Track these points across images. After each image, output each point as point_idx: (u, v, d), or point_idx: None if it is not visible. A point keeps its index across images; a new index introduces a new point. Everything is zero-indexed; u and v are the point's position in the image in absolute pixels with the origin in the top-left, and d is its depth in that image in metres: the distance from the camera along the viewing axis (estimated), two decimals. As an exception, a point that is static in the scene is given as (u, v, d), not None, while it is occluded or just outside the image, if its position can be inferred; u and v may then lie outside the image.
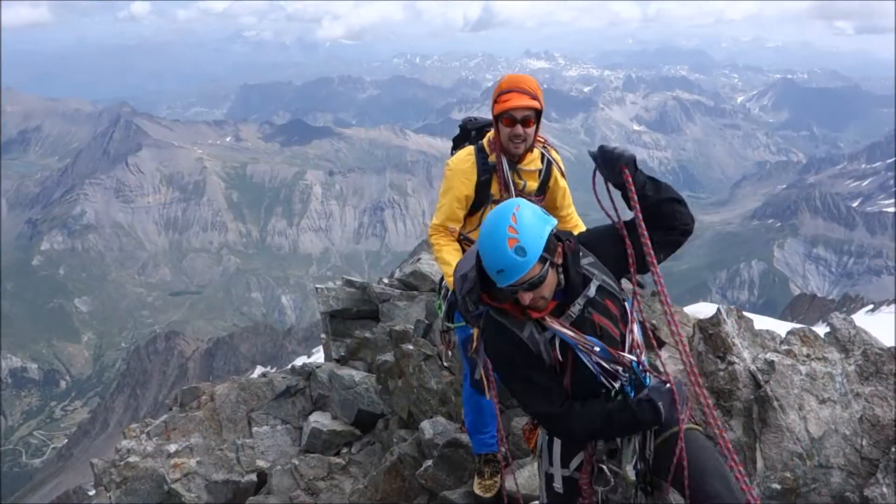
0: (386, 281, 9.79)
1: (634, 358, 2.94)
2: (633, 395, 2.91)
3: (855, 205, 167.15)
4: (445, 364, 4.55)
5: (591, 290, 2.89)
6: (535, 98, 3.81)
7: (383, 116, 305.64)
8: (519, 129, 3.85)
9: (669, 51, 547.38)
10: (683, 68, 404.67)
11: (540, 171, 4.17)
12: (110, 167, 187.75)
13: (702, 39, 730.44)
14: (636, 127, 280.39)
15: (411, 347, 6.57)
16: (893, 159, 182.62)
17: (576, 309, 2.87)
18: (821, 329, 4.51)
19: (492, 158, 4.06)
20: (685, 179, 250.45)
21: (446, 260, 4.15)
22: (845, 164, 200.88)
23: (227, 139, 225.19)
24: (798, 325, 4.43)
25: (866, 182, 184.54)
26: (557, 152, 4.31)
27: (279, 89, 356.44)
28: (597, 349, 2.85)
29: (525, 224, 2.65)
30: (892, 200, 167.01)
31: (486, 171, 4.06)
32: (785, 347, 4.06)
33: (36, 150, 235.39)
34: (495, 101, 3.88)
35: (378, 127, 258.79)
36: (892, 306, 32.43)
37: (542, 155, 4.18)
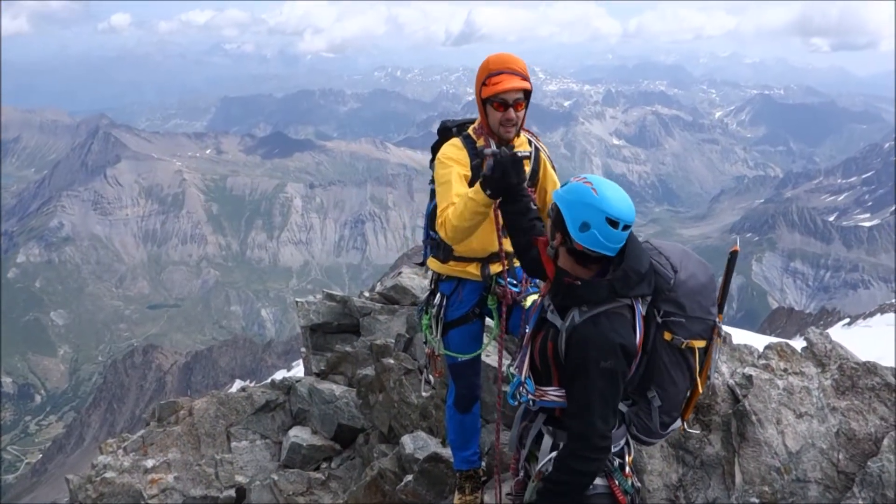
0: (367, 294, 9.78)
1: (517, 373, 3.11)
2: (511, 399, 3.13)
3: (831, 219, 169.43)
4: (429, 385, 4.49)
5: (554, 318, 2.96)
6: (525, 79, 3.61)
7: (364, 129, 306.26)
8: (511, 112, 3.64)
9: (649, 66, 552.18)
10: (662, 83, 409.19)
11: (529, 155, 3.92)
12: (88, 179, 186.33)
13: (680, 55, 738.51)
14: (616, 141, 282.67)
15: (392, 362, 6.55)
16: (868, 174, 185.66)
17: (545, 303, 3.04)
18: (798, 343, 4.55)
19: (480, 143, 3.82)
20: (664, 193, 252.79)
21: (464, 203, 3.53)
22: (821, 178, 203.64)
23: (208, 151, 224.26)
24: (775, 340, 4.47)
25: (842, 196, 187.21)
26: (544, 146, 4.06)
27: (260, 102, 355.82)
28: (527, 330, 3.15)
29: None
30: (868, 215, 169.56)
31: (476, 156, 3.80)
32: (762, 362, 4.09)
33: (13, 161, 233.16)
34: (483, 84, 3.64)
35: (359, 140, 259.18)
36: (869, 319, 32.73)
37: (529, 140, 3.97)
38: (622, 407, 3.06)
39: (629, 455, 3.13)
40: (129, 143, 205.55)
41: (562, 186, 2.96)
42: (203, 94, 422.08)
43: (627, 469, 3.09)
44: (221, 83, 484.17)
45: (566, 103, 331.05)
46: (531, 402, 3.08)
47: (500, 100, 3.62)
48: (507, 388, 3.20)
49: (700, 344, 2.99)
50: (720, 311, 3.09)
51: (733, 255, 3.13)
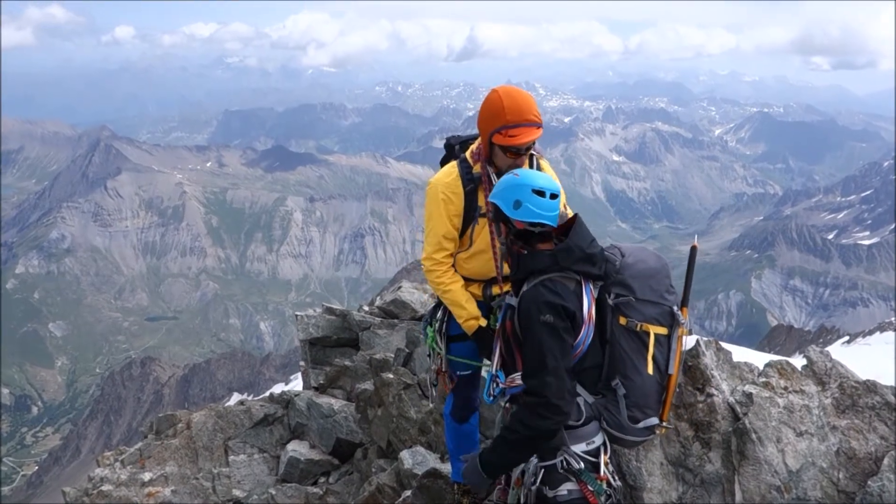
0: (366, 308, 9.75)
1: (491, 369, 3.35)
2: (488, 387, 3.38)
3: (830, 237, 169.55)
4: (430, 402, 4.48)
5: (511, 299, 3.20)
6: (541, 125, 3.60)
7: (365, 144, 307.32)
8: (523, 159, 3.67)
9: (649, 83, 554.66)
10: (662, 100, 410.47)
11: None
12: (89, 191, 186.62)
13: (680, 73, 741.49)
14: (616, 157, 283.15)
15: (391, 376, 6.54)
16: (868, 193, 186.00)
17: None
18: (797, 361, 4.55)
19: (476, 169, 3.80)
20: (664, 210, 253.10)
21: (459, 302, 3.89)
22: (821, 196, 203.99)
23: (209, 164, 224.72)
24: (775, 357, 4.46)
25: (841, 214, 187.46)
26: (547, 162, 4.02)
27: (261, 115, 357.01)
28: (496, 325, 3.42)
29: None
30: (867, 233, 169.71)
31: (470, 182, 3.79)
32: (763, 380, 4.08)
33: (13, 172, 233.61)
34: (498, 132, 3.54)
35: (360, 154, 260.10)
36: (869, 337, 32.66)
37: (530, 157, 3.86)
38: (590, 398, 3.16)
39: (605, 454, 3.19)
40: (130, 155, 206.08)
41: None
42: (205, 108, 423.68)
43: (602, 470, 3.15)
44: (223, 96, 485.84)
45: (566, 119, 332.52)
46: (504, 395, 3.27)
47: (515, 149, 3.60)
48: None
49: (659, 330, 3.14)
50: (684, 304, 3.25)
51: (693, 251, 3.40)
